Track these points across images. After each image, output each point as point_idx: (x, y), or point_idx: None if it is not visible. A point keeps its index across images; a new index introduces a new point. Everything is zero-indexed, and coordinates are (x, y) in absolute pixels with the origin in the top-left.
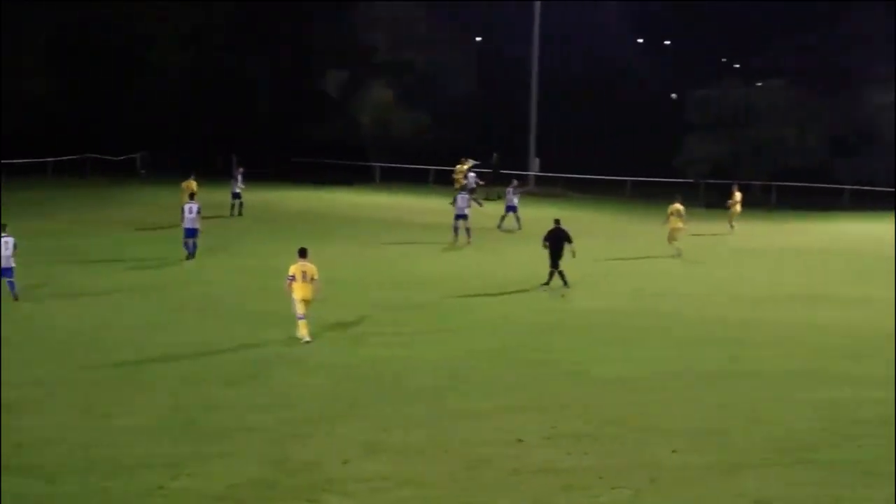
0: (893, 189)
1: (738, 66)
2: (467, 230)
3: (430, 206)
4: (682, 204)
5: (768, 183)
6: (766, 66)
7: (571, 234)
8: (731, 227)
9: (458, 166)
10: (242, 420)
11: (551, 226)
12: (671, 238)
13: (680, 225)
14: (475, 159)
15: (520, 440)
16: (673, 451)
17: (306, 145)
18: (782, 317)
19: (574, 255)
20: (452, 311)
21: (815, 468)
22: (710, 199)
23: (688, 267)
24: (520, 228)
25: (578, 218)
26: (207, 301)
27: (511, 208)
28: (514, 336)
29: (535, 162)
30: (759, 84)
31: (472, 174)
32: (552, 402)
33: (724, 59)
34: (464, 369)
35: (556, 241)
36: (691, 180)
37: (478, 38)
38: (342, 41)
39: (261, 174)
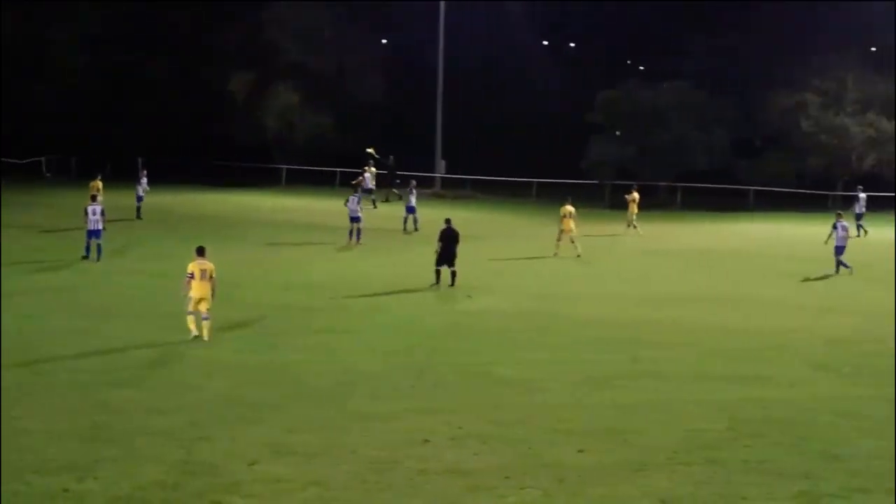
0: (795, 190)
1: (642, 68)
2: (358, 232)
3: (334, 209)
4: (573, 205)
5: (673, 184)
6: (671, 68)
7: (469, 234)
8: (633, 227)
9: (367, 168)
10: (147, 422)
11: (443, 226)
12: (560, 239)
13: (572, 226)
14: (378, 160)
15: (426, 441)
16: (580, 451)
17: (212, 147)
18: (684, 317)
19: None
20: (354, 313)
21: (721, 467)
22: (615, 200)
23: (591, 268)
24: (416, 230)
25: (485, 219)
26: (111, 303)
27: (410, 209)
28: (416, 337)
29: (442, 163)
30: (665, 86)
31: (367, 175)
32: (457, 404)
33: (629, 62)
34: (367, 371)
35: (449, 240)
36: (597, 182)
37: (384, 40)
38: (247, 43)
39: (167, 177)
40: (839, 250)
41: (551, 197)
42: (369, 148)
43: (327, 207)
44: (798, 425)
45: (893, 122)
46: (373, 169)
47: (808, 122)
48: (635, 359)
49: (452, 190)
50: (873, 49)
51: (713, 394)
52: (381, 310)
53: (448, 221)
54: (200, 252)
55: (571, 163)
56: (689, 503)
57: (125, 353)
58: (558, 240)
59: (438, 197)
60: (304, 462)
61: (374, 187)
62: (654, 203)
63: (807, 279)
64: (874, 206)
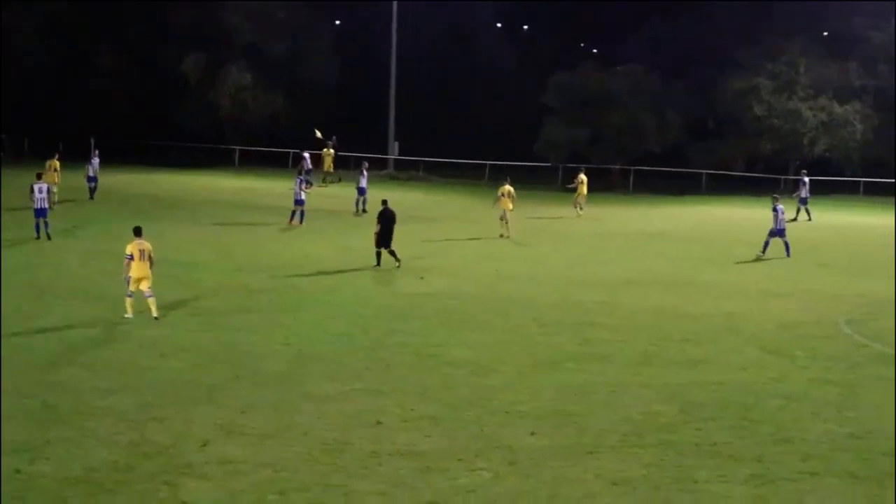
0: (747, 174)
1: (596, 51)
2: (301, 214)
3: (287, 190)
4: (512, 185)
5: (627, 167)
6: (624, 52)
7: (421, 216)
8: (579, 209)
9: (325, 151)
10: (99, 403)
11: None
12: (502, 218)
13: (509, 206)
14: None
15: (378, 422)
16: (531, 433)
17: (165, 128)
18: (635, 301)
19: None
20: (307, 294)
21: (673, 450)
22: (568, 182)
23: (542, 251)
24: (365, 211)
25: (437, 201)
26: (62, 283)
27: (361, 190)
28: (366, 319)
29: (395, 145)
30: (618, 69)
31: (306, 156)
32: (409, 385)
33: (582, 45)
34: (319, 352)
35: (387, 221)
36: (550, 164)
37: (337, 22)
38: (200, 24)
39: (119, 157)
40: (780, 233)
41: (504, 179)
42: (317, 130)
43: (280, 189)
44: (749, 408)
45: (845, 107)
46: (331, 151)
47: (760, 107)
48: (586, 341)
49: (405, 172)
50: (825, 34)
51: (665, 377)
52: (333, 291)
53: (385, 202)
54: (138, 233)
55: (524, 145)
56: (640, 485)
57: (76, 334)
58: (503, 219)
59: (392, 179)
60: (256, 443)
61: (310, 169)
62: (607, 186)
63: (756, 262)
64: (826, 190)
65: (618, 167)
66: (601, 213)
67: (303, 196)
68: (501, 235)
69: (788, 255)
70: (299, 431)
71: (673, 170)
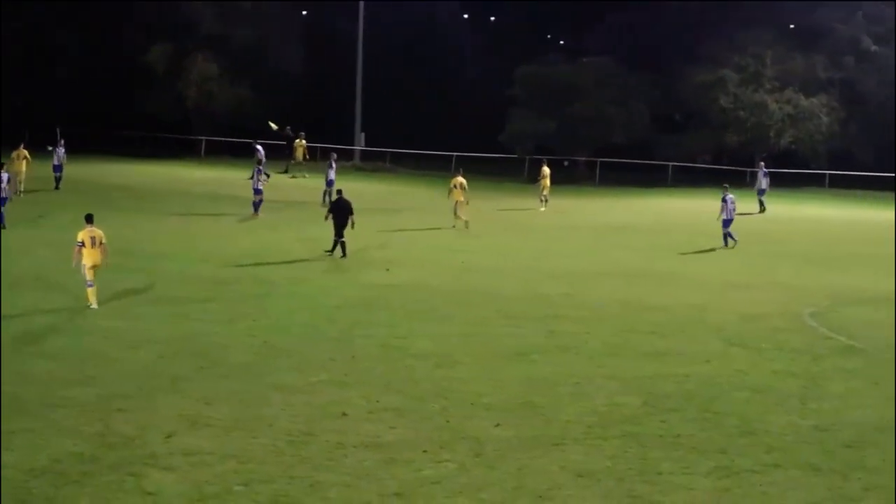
0: (713, 166)
1: (562, 42)
2: (257, 204)
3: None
4: (464, 177)
5: (593, 159)
6: (591, 43)
7: (387, 208)
8: (543, 201)
9: (298, 141)
10: (64, 393)
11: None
12: (455, 210)
13: (462, 198)
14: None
15: (343, 414)
16: (496, 425)
17: (131, 118)
18: (600, 292)
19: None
20: (273, 285)
21: (637, 442)
22: (534, 174)
23: (508, 242)
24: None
25: (403, 192)
26: (27, 273)
27: (330, 182)
28: (332, 310)
29: (361, 136)
30: (585, 60)
31: (259, 147)
32: (374, 377)
33: (549, 36)
34: (284, 344)
35: (340, 212)
36: (516, 156)
37: (304, 12)
38: (167, 13)
39: (86, 147)
40: (726, 223)
41: (470, 170)
42: (271, 122)
43: (245, 179)
44: (714, 401)
45: (811, 100)
46: (303, 142)
47: (726, 99)
48: (552, 333)
49: (371, 163)
50: (791, 26)
51: (629, 369)
52: (299, 282)
53: (340, 192)
54: (89, 220)
55: (491, 137)
56: (605, 477)
57: (41, 324)
58: (457, 211)
59: (357, 170)
60: (222, 434)
61: (263, 159)
62: (573, 178)
63: (720, 254)
64: (792, 182)
65: (583, 159)
66: (567, 206)
67: (260, 186)
68: (454, 226)
69: (726, 245)
70: (264, 423)
71: (639, 162)
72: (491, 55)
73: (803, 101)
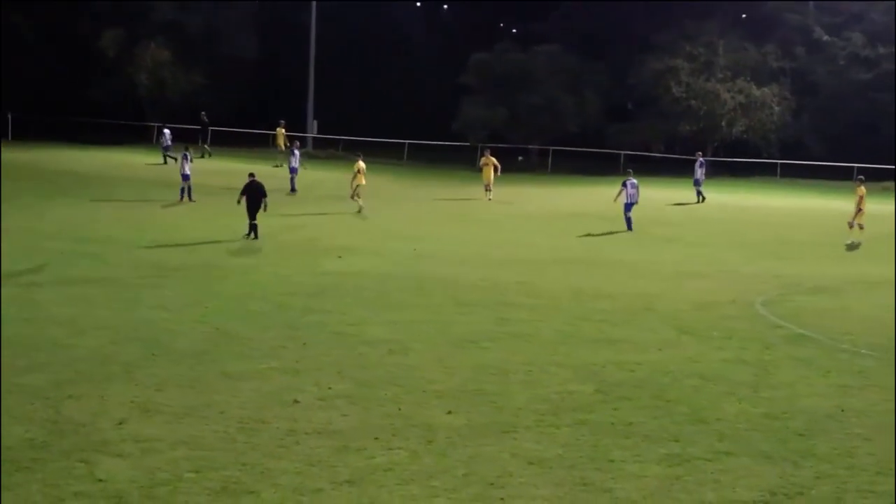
0: (665, 155)
1: (515, 30)
2: (187, 190)
3: (205, 167)
4: (365, 162)
5: (545, 147)
6: (543, 32)
7: (339, 195)
8: (488, 190)
9: (279, 129)
10: (15, 380)
11: (247, 179)
12: (355, 195)
13: (362, 181)
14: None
15: (295, 401)
16: (448, 412)
17: (83, 104)
18: (551, 280)
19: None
20: (225, 271)
21: (589, 430)
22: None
23: (461, 230)
24: (294, 191)
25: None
26: None
27: (293, 170)
28: (283, 297)
29: (314, 124)
30: (537, 49)
31: (167, 131)
32: (326, 364)
33: (501, 24)
34: (235, 331)
35: (254, 194)
36: (469, 144)
37: None
38: None
39: (36, 134)
40: (628, 207)
41: (423, 159)
42: (202, 114)
43: (198, 166)
44: (666, 388)
45: (763, 89)
46: (282, 130)
47: (679, 88)
48: (504, 321)
49: (324, 150)
50: (743, 16)
51: (581, 356)
52: (250, 269)
53: (252, 175)
54: None
55: (444, 125)
56: (556, 465)
57: None
58: (356, 195)
59: (310, 157)
60: (173, 421)
61: (170, 144)
62: (526, 166)
63: (672, 243)
64: (744, 172)
65: (536, 147)
66: (518, 193)
67: (188, 170)
68: (358, 212)
69: (630, 229)
70: (216, 410)
71: (591, 150)
72: (443, 43)
73: (755, 91)
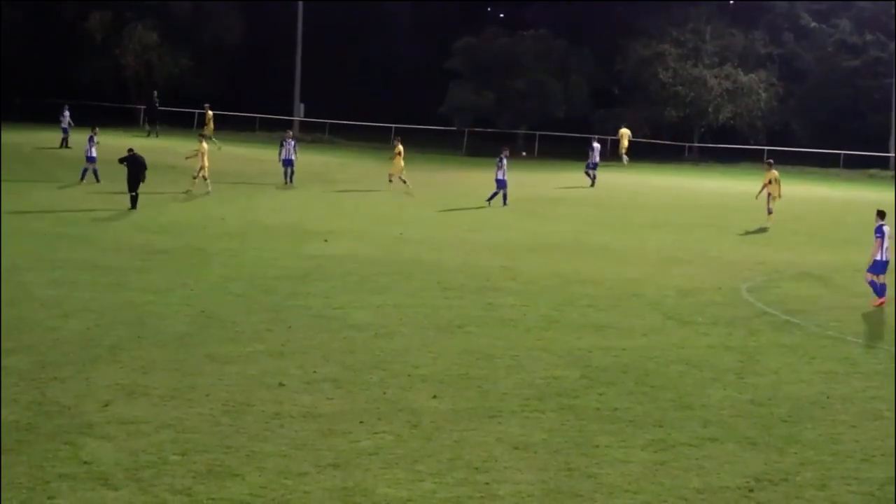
0: (652, 140)
1: (502, 15)
2: (94, 171)
3: (188, 151)
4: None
5: (532, 132)
6: (531, 16)
7: (325, 179)
8: (402, 181)
9: (207, 113)
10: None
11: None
12: (400, 178)
13: (401, 164)
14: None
15: (281, 384)
16: (433, 397)
17: (69, 87)
18: (537, 265)
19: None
20: (211, 255)
21: (574, 415)
22: (474, 147)
23: (445, 215)
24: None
25: (342, 164)
26: None
27: (286, 162)
28: (269, 281)
29: (300, 107)
30: (524, 34)
31: (66, 112)
32: (311, 347)
33: (488, 9)
34: (220, 314)
35: (134, 167)
36: (455, 128)
37: None
38: None
39: (22, 117)
40: (501, 183)
41: (409, 143)
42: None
43: (184, 149)
44: (651, 374)
45: (750, 76)
46: (210, 112)
47: (666, 74)
48: (489, 306)
49: (311, 134)
50: (731, 2)
51: (567, 342)
52: (236, 253)
53: (131, 150)
54: None
55: (431, 109)
56: (541, 449)
57: None
58: (393, 179)
59: (296, 141)
60: (158, 404)
61: (70, 125)
62: (511, 151)
63: (657, 228)
64: (730, 158)
65: (523, 132)
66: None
67: (94, 153)
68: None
69: (505, 203)
70: (201, 392)
71: (578, 135)
72: (431, 27)
73: (742, 77)
